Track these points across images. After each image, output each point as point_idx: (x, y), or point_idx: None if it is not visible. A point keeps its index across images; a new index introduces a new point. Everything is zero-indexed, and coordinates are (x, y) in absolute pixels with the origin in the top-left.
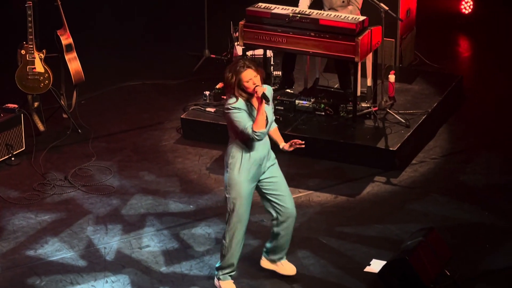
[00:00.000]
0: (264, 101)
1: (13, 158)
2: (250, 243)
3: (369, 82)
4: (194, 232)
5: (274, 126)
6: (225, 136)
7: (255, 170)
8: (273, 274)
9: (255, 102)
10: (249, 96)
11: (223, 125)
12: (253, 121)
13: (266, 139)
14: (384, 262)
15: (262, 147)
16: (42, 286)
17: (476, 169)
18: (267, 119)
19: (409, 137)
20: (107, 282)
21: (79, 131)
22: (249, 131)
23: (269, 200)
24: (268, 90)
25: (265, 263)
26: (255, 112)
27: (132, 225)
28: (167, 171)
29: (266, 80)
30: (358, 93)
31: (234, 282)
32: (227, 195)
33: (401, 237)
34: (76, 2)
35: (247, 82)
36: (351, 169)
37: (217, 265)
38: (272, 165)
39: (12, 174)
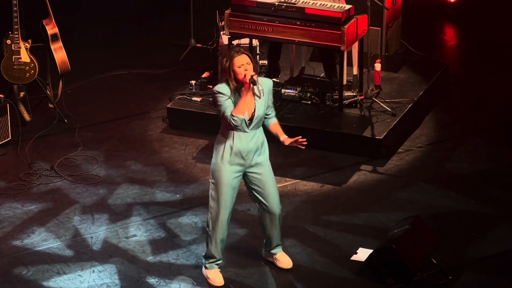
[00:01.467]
0: (251, 86)
1: None
2: (236, 232)
3: (355, 71)
4: (180, 221)
5: (274, 121)
6: (211, 125)
7: (238, 160)
8: (260, 263)
9: (245, 90)
10: (239, 85)
11: (209, 115)
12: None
13: (257, 134)
14: (370, 251)
15: (247, 139)
16: (28, 276)
17: (462, 157)
18: (254, 112)
19: (395, 126)
20: (94, 271)
21: (65, 120)
22: (227, 114)
23: (254, 194)
24: (267, 82)
25: (264, 254)
26: (235, 100)
27: (119, 215)
28: (153, 160)
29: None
30: (344, 82)
31: (221, 271)
32: (210, 181)
33: (388, 225)
34: None
35: (239, 67)
36: (338, 158)
37: (204, 254)
38: (261, 162)
39: None
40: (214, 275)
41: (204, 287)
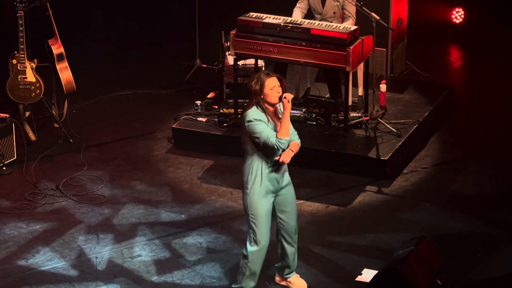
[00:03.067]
0: (289, 107)
1: (4, 168)
2: (241, 252)
3: (360, 91)
4: (185, 242)
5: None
6: (217, 146)
7: (273, 186)
8: (264, 282)
9: (273, 115)
10: (268, 107)
11: (214, 135)
12: (275, 131)
13: (277, 158)
14: (375, 272)
15: (278, 164)
16: None
17: (467, 178)
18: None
19: (400, 147)
20: None
21: (71, 140)
22: (273, 140)
23: (275, 212)
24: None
25: (278, 279)
26: (271, 125)
27: (124, 235)
28: (158, 180)
29: None
30: (350, 103)
31: None
32: (249, 214)
33: (393, 246)
34: (68, 12)
35: (271, 89)
36: (342, 179)
37: (235, 285)
38: (288, 183)
39: (3, 183)
40: None
41: None
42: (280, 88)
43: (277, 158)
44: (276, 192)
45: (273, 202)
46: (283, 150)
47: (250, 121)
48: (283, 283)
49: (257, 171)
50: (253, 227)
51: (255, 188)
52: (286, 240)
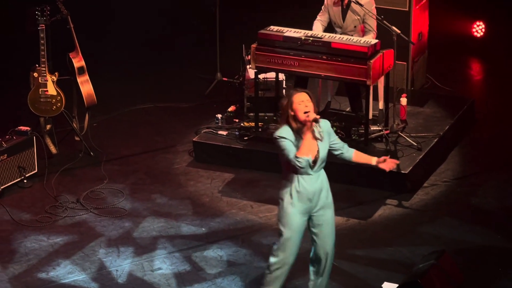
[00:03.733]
0: (312, 126)
1: (25, 181)
2: (261, 265)
3: (380, 105)
4: (206, 255)
5: (353, 151)
6: (237, 159)
7: (306, 204)
8: None
9: (305, 130)
10: (299, 124)
11: (235, 148)
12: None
13: (321, 177)
14: (395, 285)
15: (311, 182)
16: None
17: (488, 192)
18: (318, 154)
19: (421, 160)
20: None
21: (91, 153)
22: (291, 156)
23: (311, 236)
24: (325, 124)
25: None
26: (296, 140)
27: (144, 248)
28: (179, 194)
29: (277, 103)
30: (370, 116)
31: None
32: (279, 226)
33: (413, 260)
34: (88, 25)
35: (299, 104)
36: (363, 192)
37: None
38: (326, 205)
39: (24, 196)
40: None
41: None
42: (309, 103)
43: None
44: (309, 212)
45: (309, 222)
46: (301, 169)
47: (275, 138)
48: None
49: (290, 187)
50: (280, 241)
51: (286, 204)
52: (313, 265)
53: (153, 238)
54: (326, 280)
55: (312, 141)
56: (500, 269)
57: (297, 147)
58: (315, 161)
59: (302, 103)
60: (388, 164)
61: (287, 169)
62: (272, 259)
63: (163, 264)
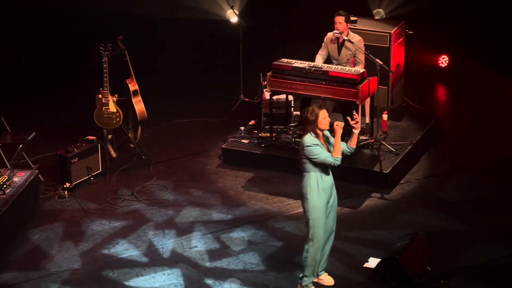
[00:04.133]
0: (340, 132)
1: (92, 178)
2: (275, 244)
3: (367, 120)
4: (231, 236)
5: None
6: (256, 161)
7: (326, 195)
8: (293, 268)
9: (321, 137)
10: (319, 132)
11: (254, 153)
12: (328, 151)
13: (331, 172)
14: (379, 260)
15: (329, 177)
16: (114, 277)
17: (451, 188)
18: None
19: (398, 163)
20: (164, 274)
21: (143, 157)
22: (330, 159)
23: None
24: (326, 131)
25: None
26: (322, 147)
27: (184, 230)
28: (211, 188)
29: (287, 118)
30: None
31: (262, 274)
32: (309, 217)
33: (392, 240)
34: (141, 57)
35: (324, 118)
36: (354, 187)
37: (302, 274)
38: (334, 192)
39: (91, 190)
40: None
41: (250, 287)
42: (328, 117)
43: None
44: (328, 200)
45: None
46: (336, 164)
47: (308, 146)
48: (315, 280)
49: (315, 184)
50: (313, 228)
51: (314, 197)
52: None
53: (190, 222)
54: (328, 252)
55: (324, 144)
56: (460, 247)
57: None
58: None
59: (326, 118)
60: (357, 124)
61: (312, 169)
62: (307, 246)
63: (198, 243)
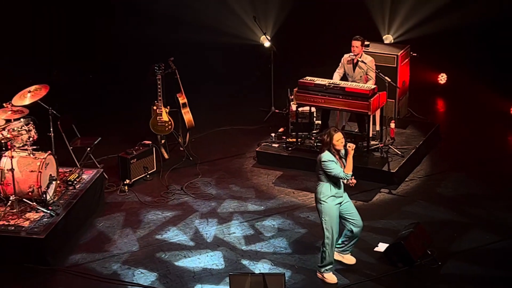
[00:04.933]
0: (353, 152)
1: (148, 176)
2: (300, 231)
3: (377, 127)
4: (264, 224)
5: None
6: (284, 162)
7: (338, 200)
8: (315, 251)
9: (337, 155)
10: (335, 151)
11: (283, 155)
12: (342, 167)
13: (342, 180)
14: (387, 245)
15: (340, 185)
16: (165, 258)
17: (448, 184)
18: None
19: (403, 164)
20: (207, 256)
21: (190, 158)
22: (342, 174)
23: (345, 219)
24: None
25: (336, 256)
26: (338, 163)
27: (224, 219)
28: (247, 184)
29: (310, 126)
30: (370, 135)
31: (288, 256)
32: (324, 219)
33: (398, 228)
34: (189, 76)
35: (338, 140)
36: (365, 184)
37: (320, 263)
38: (345, 196)
39: (147, 186)
40: (331, 277)
41: (278, 267)
42: (343, 139)
43: (347, 181)
44: (339, 203)
45: (340, 211)
46: (347, 179)
47: (325, 161)
48: (339, 257)
49: (328, 191)
50: (327, 227)
51: (328, 202)
52: (354, 232)
53: (229, 213)
54: (355, 240)
55: (339, 161)
56: (455, 234)
57: (336, 163)
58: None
59: (340, 140)
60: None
61: (326, 179)
62: (325, 240)
63: (236, 230)
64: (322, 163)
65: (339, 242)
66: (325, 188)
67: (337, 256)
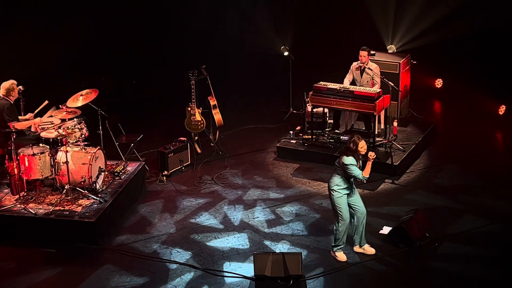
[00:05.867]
0: (373, 160)
1: (183, 168)
2: (315, 216)
3: (382, 126)
4: (283, 210)
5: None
6: (301, 156)
7: (346, 191)
8: (328, 234)
9: (358, 159)
10: (360, 158)
11: (300, 150)
12: (361, 170)
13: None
14: (390, 228)
15: (351, 182)
16: (198, 239)
17: (444, 175)
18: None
19: (405, 157)
20: (234, 237)
21: (220, 153)
22: (361, 177)
23: (351, 207)
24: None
25: (355, 249)
26: (356, 165)
27: (249, 205)
28: (268, 175)
29: (323, 125)
30: (376, 132)
31: (305, 238)
32: (336, 205)
33: (400, 214)
34: (218, 81)
35: (361, 148)
36: (371, 175)
37: (334, 244)
38: (354, 189)
39: (182, 177)
40: (341, 255)
41: (296, 247)
42: (366, 145)
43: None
44: (349, 193)
45: (348, 202)
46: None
47: (348, 165)
48: (360, 250)
49: (341, 183)
50: (340, 213)
51: (339, 191)
52: (360, 222)
53: (254, 200)
54: (363, 229)
55: (358, 163)
56: (450, 219)
57: (363, 167)
58: None
59: (363, 147)
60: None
61: (343, 176)
62: (338, 225)
63: (259, 215)
64: (346, 166)
65: (354, 237)
66: (339, 181)
67: (358, 249)
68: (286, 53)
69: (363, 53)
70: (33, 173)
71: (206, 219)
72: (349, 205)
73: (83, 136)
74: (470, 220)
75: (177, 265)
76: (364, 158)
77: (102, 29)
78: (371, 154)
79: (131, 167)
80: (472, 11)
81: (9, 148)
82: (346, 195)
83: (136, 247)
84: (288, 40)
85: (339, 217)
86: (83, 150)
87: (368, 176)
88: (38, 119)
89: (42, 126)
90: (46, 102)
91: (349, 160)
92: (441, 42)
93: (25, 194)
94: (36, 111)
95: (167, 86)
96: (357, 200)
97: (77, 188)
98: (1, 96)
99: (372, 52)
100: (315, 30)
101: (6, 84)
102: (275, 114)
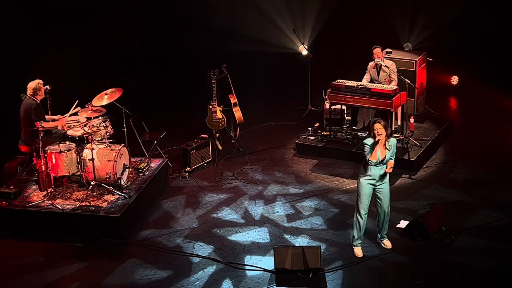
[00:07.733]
0: (386, 139)
1: (205, 164)
2: (333, 210)
3: (399, 122)
4: (302, 204)
5: (391, 160)
6: (320, 152)
7: (373, 181)
8: (346, 228)
9: (379, 144)
10: (376, 139)
11: (318, 146)
12: (383, 156)
13: (382, 168)
14: (407, 222)
15: (375, 171)
16: (220, 233)
17: (460, 170)
18: (385, 157)
19: (421, 153)
20: (255, 231)
21: (241, 149)
22: (367, 158)
23: (376, 200)
24: (393, 141)
25: (378, 240)
26: (372, 149)
27: (269, 200)
28: (288, 171)
29: (341, 121)
30: (393, 128)
31: (324, 232)
32: (357, 194)
33: (417, 208)
34: (239, 80)
35: (375, 129)
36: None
37: (351, 238)
38: (384, 183)
39: (204, 172)
40: (358, 250)
41: (315, 241)
42: (381, 129)
43: (385, 170)
44: (374, 186)
45: (375, 193)
46: (372, 165)
47: (363, 143)
48: (379, 242)
49: (368, 171)
50: (358, 202)
51: (362, 180)
52: (381, 216)
53: (273, 195)
54: (384, 225)
55: (383, 149)
56: (466, 213)
57: (372, 150)
58: (382, 160)
59: (376, 129)
60: (388, 170)
61: (364, 163)
62: (354, 217)
63: (279, 209)
64: (362, 143)
65: (377, 228)
66: (365, 168)
67: (378, 241)
68: (304, 52)
69: (377, 50)
70: (60, 170)
71: (227, 214)
72: (376, 201)
73: (108, 133)
74: (486, 214)
75: (200, 258)
76: (378, 143)
77: (124, 31)
78: (390, 164)
79: (155, 164)
80: (487, 8)
81: (37, 146)
82: (370, 186)
83: (159, 241)
84: (306, 38)
85: (355, 208)
86: (108, 147)
87: (375, 160)
88: (64, 118)
89: (69, 125)
90: (77, 102)
91: (366, 140)
92: (457, 40)
93: (52, 190)
94: (68, 114)
95: (189, 84)
96: (383, 194)
97: (102, 184)
98: (28, 96)
99: (388, 50)
100: (333, 30)
101: (33, 84)
102: (294, 112)
